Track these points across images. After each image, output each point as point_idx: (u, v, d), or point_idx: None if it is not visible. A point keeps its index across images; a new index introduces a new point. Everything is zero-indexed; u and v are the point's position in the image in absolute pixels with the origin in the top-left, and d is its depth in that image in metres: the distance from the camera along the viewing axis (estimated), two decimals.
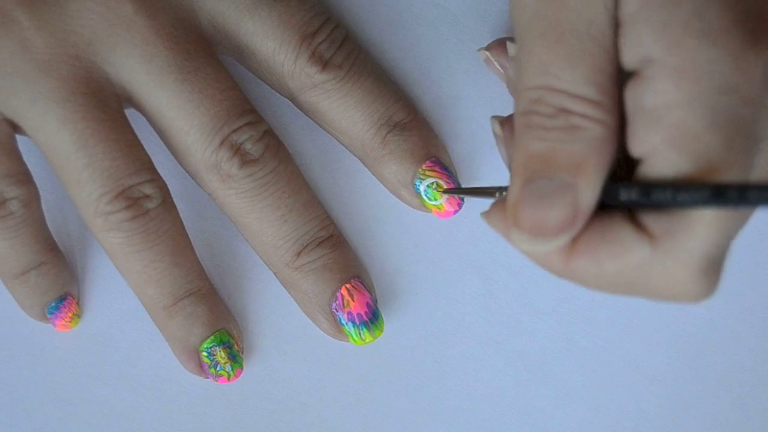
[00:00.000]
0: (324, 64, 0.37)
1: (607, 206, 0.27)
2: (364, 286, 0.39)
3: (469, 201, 0.40)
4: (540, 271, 0.40)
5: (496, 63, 0.39)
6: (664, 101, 0.26)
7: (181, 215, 0.38)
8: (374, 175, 0.40)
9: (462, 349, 0.40)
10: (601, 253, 0.27)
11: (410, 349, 0.40)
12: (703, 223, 0.26)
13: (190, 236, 0.38)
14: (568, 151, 0.27)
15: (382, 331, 0.39)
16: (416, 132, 0.39)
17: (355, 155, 0.39)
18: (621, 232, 0.27)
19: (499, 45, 0.39)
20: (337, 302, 0.38)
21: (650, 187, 0.26)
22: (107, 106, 0.36)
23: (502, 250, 0.40)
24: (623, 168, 0.28)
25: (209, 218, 0.40)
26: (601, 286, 0.28)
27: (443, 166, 0.39)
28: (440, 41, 0.40)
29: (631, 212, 0.27)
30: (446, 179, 0.39)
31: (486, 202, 0.39)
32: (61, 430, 0.40)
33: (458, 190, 0.38)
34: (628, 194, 0.27)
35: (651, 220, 0.27)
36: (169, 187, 0.38)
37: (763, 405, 0.40)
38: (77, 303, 0.40)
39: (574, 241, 0.27)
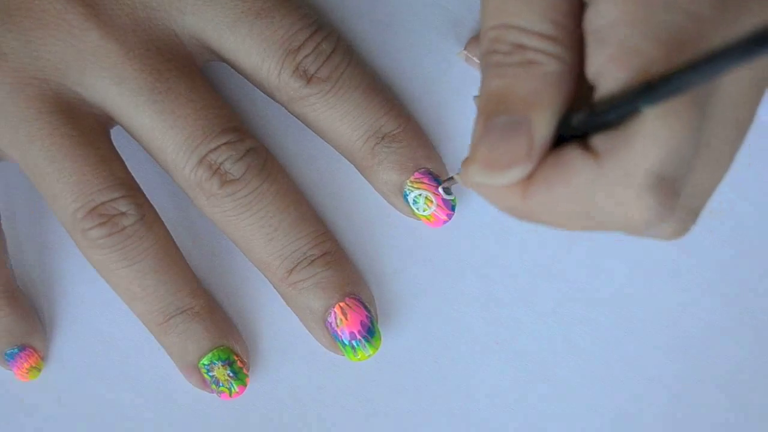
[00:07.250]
0: (309, 79, 0.37)
1: (566, 139, 0.27)
2: (360, 302, 0.38)
3: (466, 203, 0.40)
4: (540, 272, 0.40)
5: (475, 59, 0.38)
6: (609, 20, 0.26)
7: (180, 220, 0.38)
8: (368, 182, 0.39)
9: (462, 349, 0.40)
10: (552, 180, 0.27)
11: (410, 349, 0.40)
12: (643, 136, 0.25)
13: (189, 240, 0.38)
14: (524, 87, 0.27)
15: (377, 348, 0.38)
16: (406, 143, 0.38)
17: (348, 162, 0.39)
18: (570, 156, 0.27)
19: (474, 41, 0.38)
20: (332, 319, 0.38)
21: (594, 104, 0.26)
22: (78, 122, 0.36)
23: (502, 250, 0.40)
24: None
25: (209, 222, 0.40)
26: (558, 220, 0.28)
27: (432, 177, 0.38)
28: (440, 41, 0.40)
29: (585, 139, 0.27)
30: (434, 191, 0.38)
31: (483, 215, 0.39)
32: (61, 430, 0.40)
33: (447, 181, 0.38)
34: (577, 119, 0.27)
35: (599, 141, 0.26)
36: (168, 190, 0.37)
37: (763, 405, 0.40)
38: (40, 356, 0.40)
39: (530, 175, 0.27)
